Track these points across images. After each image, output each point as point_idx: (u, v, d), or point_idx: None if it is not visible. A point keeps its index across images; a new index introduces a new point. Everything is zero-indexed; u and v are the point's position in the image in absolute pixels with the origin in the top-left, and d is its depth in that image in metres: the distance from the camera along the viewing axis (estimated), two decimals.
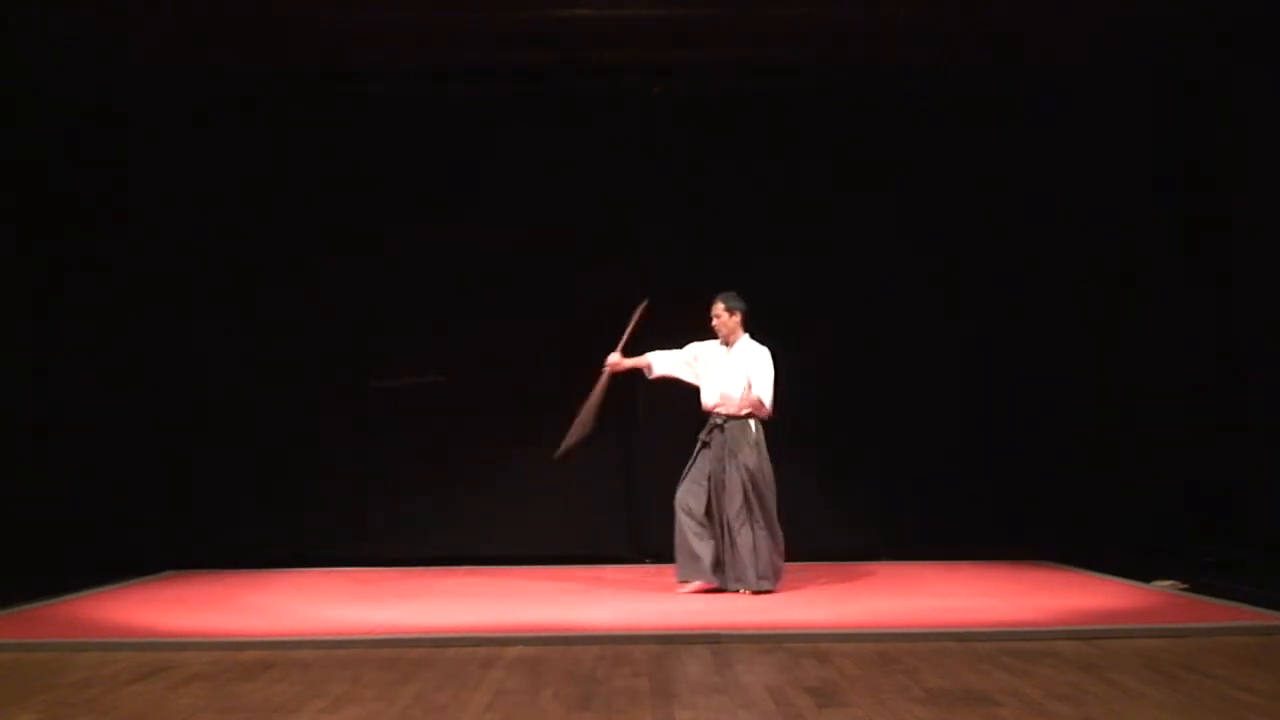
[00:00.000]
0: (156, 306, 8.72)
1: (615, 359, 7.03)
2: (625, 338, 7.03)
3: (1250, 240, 8.54)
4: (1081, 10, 7.89)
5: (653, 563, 8.25)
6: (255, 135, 8.83)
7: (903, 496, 8.51)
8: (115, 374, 8.63)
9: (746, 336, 6.94)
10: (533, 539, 8.52)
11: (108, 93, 8.76)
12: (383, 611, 6.25)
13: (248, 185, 8.79)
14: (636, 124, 8.85)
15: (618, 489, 8.67)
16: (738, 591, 6.66)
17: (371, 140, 8.84)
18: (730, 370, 6.86)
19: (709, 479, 6.80)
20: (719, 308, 6.95)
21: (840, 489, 8.48)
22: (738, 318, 6.93)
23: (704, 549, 6.74)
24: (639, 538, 8.54)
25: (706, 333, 7.06)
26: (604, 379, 7.06)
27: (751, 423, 6.80)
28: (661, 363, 7.09)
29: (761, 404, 6.75)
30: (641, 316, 7.02)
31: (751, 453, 6.72)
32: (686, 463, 6.94)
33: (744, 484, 6.68)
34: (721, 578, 6.73)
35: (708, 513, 6.78)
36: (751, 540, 6.65)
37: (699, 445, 6.90)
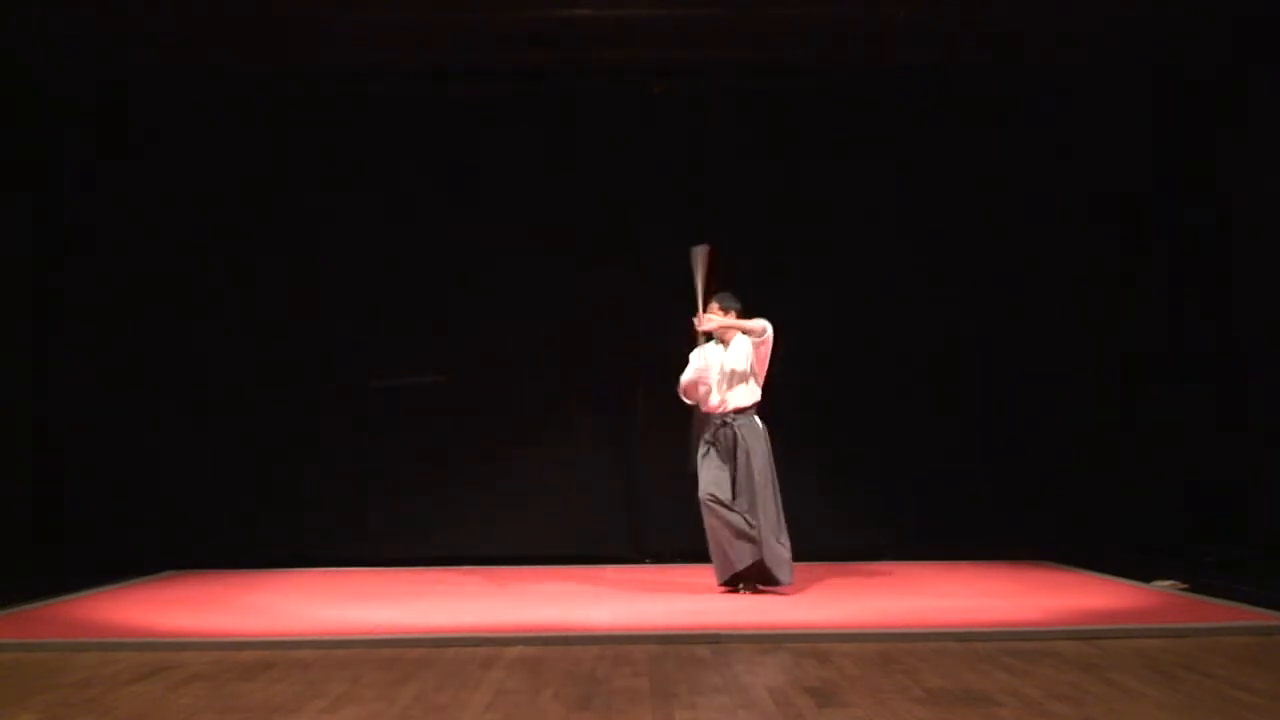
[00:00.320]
0: (156, 306, 8.72)
1: (702, 319, 6.84)
2: (701, 291, 6.85)
3: (1250, 240, 8.54)
4: (1081, 10, 7.89)
5: (653, 563, 8.26)
6: (255, 135, 8.83)
7: (903, 496, 8.51)
8: (115, 374, 8.63)
9: (741, 335, 6.93)
10: (533, 539, 8.52)
11: (108, 92, 8.76)
12: (383, 611, 6.25)
13: (248, 185, 8.79)
14: (636, 124, 8.85)
15: (618, 489, 8.67)
16: (774, 588, 6.61)
17: (371, 140, 8.84)
18: (734, 365, 6.83)
19: (729, 474, 6.69)
20: (714, 307, 6.93)
21: (840, 489, 8.49)
22: (733, 316, 6.93)
23: (742, 544, 6.58)
24: (639, 538, 8.54)
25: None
26: (700, 338, 6.92)
27: (758, 419, 6.80)
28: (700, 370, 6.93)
29: (764, 330, 6.70)
30: (709, 265, 6.83)
31: (765, 449, 6.71)
32: (688, 464, 6.89)
33: (770, 481, 6.66)
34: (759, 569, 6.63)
35: (733, 500, 6.63)
36: (777, 536, 6.63)
37: (704, 446, 6.84)
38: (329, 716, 4.01)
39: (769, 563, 6.60)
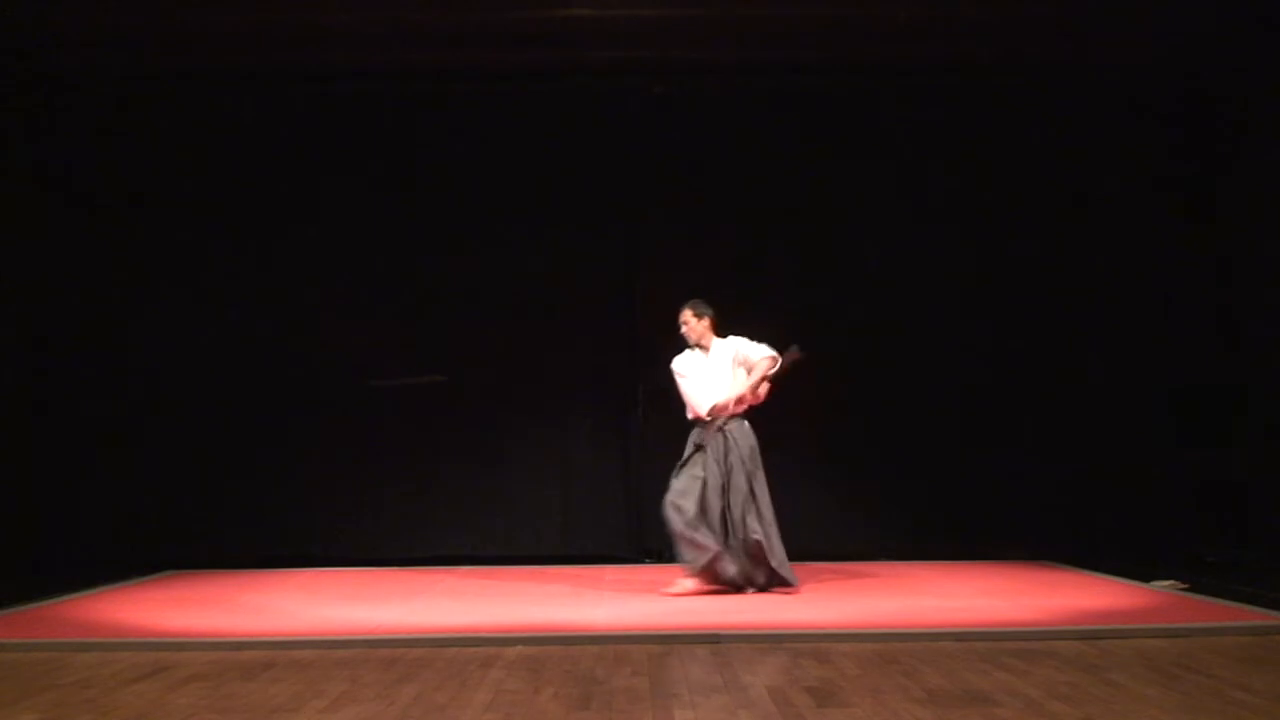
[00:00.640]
0: (156, 306, 8.72)
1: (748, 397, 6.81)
2: (761, 379, 6.80)
3: (1250, 240, 8.54)
4: (1081, 10, 7.88)
5: (653, 563, 8.26)
6: (254, 135, 8.83)
7: (903, 496, 8.52)
8: (115, 374, 8.63)
9: (717, 339, 6.94)
10: (532, 539, 8.52)
11: (107, 92, 8.75)
12: (383, 611, 6.25)
13: (247, 185, 8.79)
14: (636, 124, 8.85)
15: (618, 489, 8.67)
16: (781, 588, 6.63)
17: (370, 140, 8.84)
18: (717, 372, 6.85)
19: (704, 484, 6.70)
20: (687, 314, 6.94)
21: (840, 489, 8.49)
22: (706, 322, 6.93)
23: (701, 545, 6.66)
24: (639, 538, 8.54)
25: None
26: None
27: (746, 422, 6.80)
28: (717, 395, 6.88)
29: (774, 359, 6.74)
30: (786, 368, 6.84)
31: (756, 453, 6.73)
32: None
33: (764, 485, 6.68)
34: (731, 574, 6.66)
35: (700, 514, 6.67)
36: (777, 537, 6.65)
37: (692, 449, 6.84)
38: (329, 716, 4.01)
39: (777, 566, 6.64)
